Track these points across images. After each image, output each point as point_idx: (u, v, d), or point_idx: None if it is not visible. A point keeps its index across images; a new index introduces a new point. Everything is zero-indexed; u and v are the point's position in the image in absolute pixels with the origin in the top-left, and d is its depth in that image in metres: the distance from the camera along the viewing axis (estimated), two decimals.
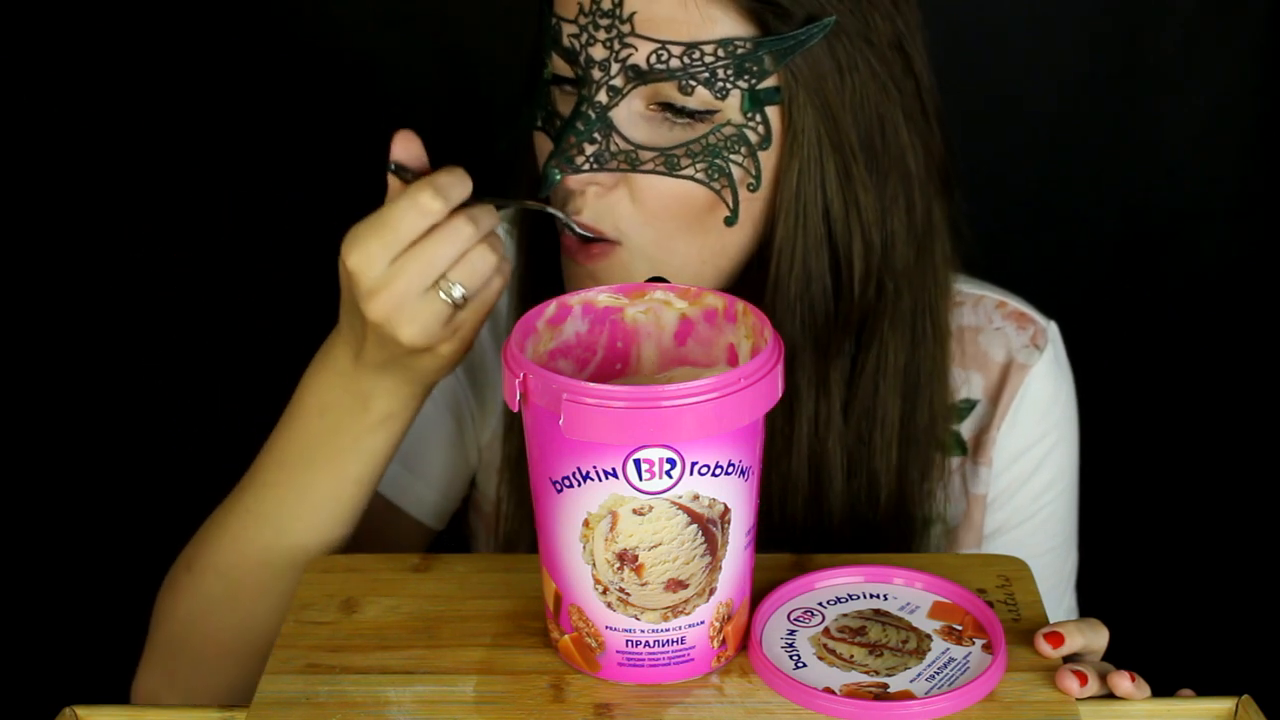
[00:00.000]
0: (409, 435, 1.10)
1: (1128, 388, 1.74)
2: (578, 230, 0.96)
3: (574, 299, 0.87)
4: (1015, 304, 1.14)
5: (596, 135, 0.94)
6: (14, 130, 1.63)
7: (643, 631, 0.82)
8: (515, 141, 1.03)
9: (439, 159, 1.78)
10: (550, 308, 0.86)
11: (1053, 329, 1.14)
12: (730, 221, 0.96)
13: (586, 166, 0.94)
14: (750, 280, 1.00)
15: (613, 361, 0.89)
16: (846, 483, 1.03)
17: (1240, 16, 1.62)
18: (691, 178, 0.94)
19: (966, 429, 1.11)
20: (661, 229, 0.96)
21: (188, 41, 1.62)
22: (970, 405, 1.11)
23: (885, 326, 1.02)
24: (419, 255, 0.87)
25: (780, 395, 0.80)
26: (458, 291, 0.88)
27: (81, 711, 0.83)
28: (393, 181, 0.91)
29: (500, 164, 1.08)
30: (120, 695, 1.03)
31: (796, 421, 1.02)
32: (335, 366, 0.94)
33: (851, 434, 1.03)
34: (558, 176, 0.94)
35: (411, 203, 0.87)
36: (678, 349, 0.89)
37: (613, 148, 0.94)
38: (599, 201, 0.96)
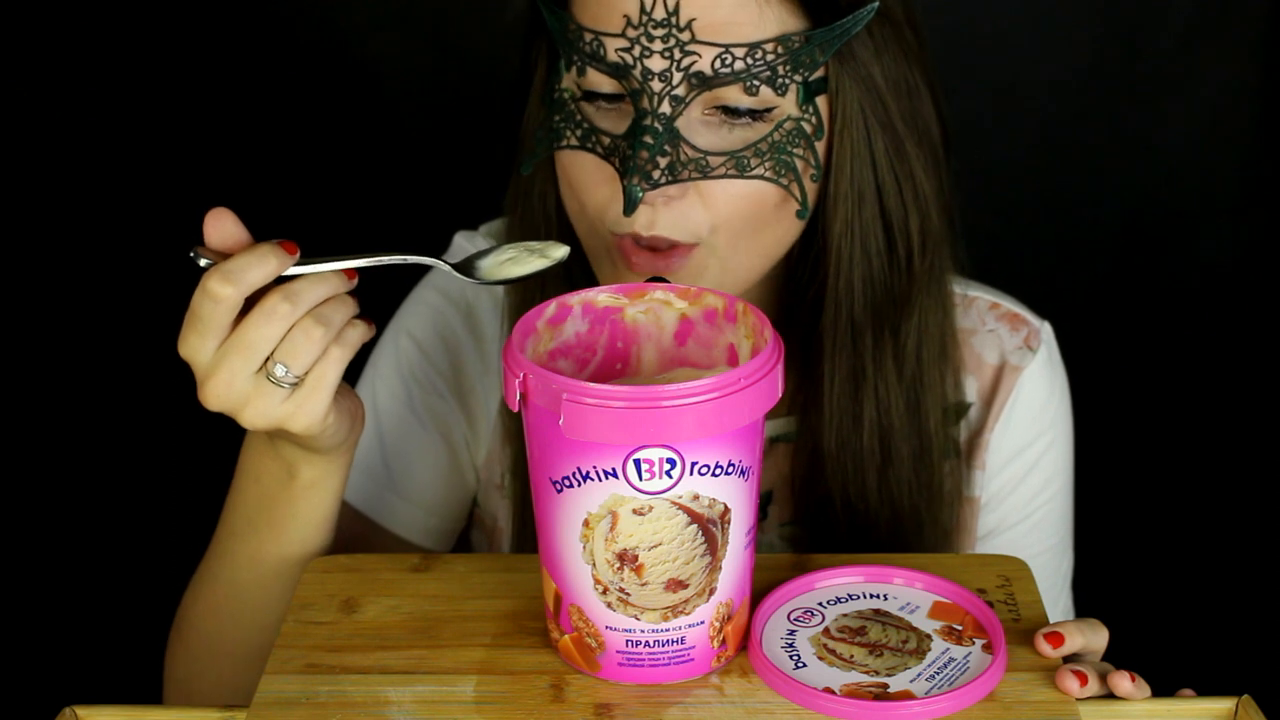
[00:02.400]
0: (401, 465, 1.11)
1: (1127, 388, 1.74)
2: (452, 270, 0.90)
3: (574, 299, 0.87)
4: (1008, 305, 1.14)
5: (666, 148, 0.93)
6: (14, 130, 1.63)
7: (643, 631, 0.82)
8: (536, 163, 1.01)
9: (439, 160, 1.79)
10: (550, 308, 0.86)
11: (1046, 330, 1.14)
12: (802, 214, 0.96)
13: (663, 180, 0.93)
14: (806, 268, 1.02)
15: (613, 361, 0.89)
16: (908, 449, 1.05)
17: (1240, 16, 1.63)
18: (762, 177, 0.95)
19: (960, 433, 1.11)
20: (736, 230, 0.96)
21: (189, 43, 1.62)
22: (964, 408, 1.11)
23: (924, 294, 1.03)
24: (237, 341, 0.83)
25: (780, 395, 0.80)
26: (280, 371, 0.84)
27: (81, 711, 0.83)
28: (202, 266, 0.85)
29: (506, 171, 1.08)
30: (120, 695, 1.03)
31: (864, 400, 1.03)
32: (259, 437, 0.94)
33: (904, 400, 1.04)
34: (640, 195, 0.93)
35: (202, 291, 0.83)
36: (678, 349, 0.89)
37: (683, 157, 0.94)
38: (669, 210, 0.95)
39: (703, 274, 0.97)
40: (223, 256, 0.85)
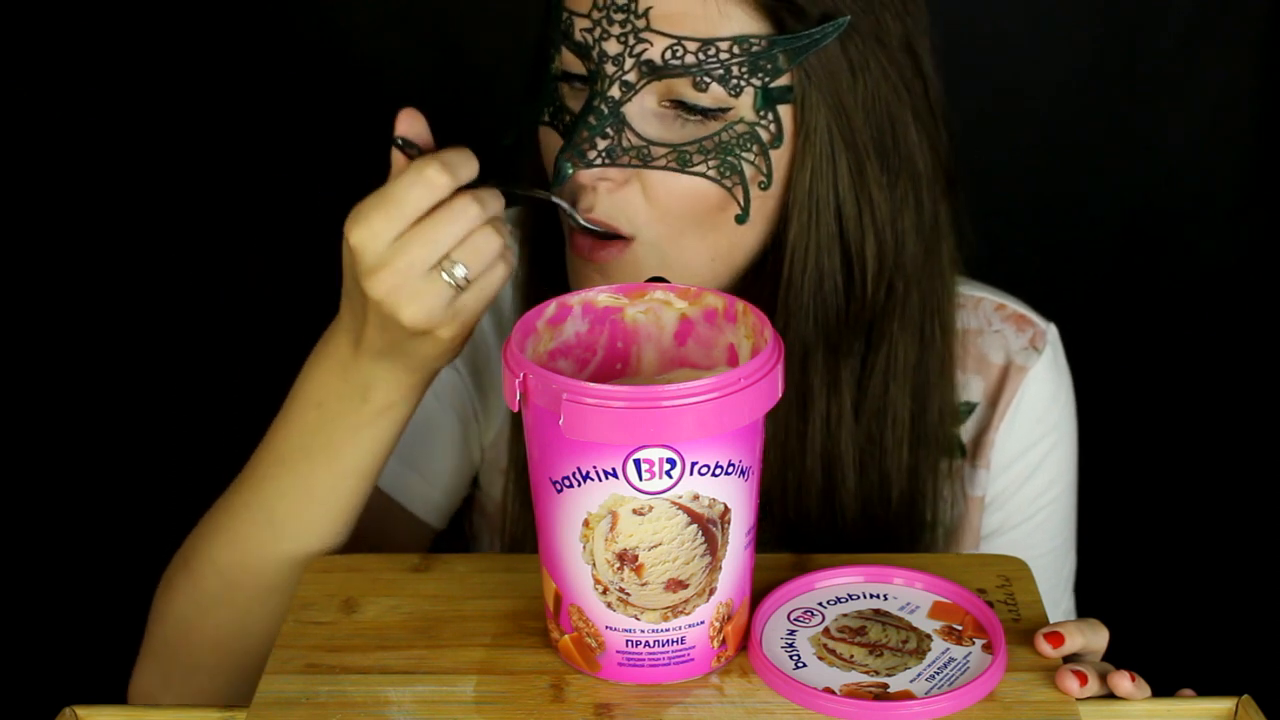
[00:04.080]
0: (413, 434, 1.10)
1: (1128, 388, 1.74)
2: (585, 224, 0.96)
3: (574, 299, 0.87)
4: (1014, 306, 1.14)
5: (609, 130, 0.94)
6: (16, 130, 1.63)
7: (643, 631, 0.82)
8: (521, 136, 1.03)
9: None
10: (550, 308, 0.86)
11: (1052, 331, 1.14)
12: (741, 219, 0.96)
13: (599, 161, 0.94)
14: (761, 279, 1.01)
15: (613, 361, 0.89)
16: (859, 481, 1.03)
17: (1240, 16, 1.63)
18: (703, 175, 0.94)
19: (965, 432, 1.11)
20: (674, 226, 0.96)
21: (190, 43, 1.62)
22: (969, 408, 1.11)
23: (895, 326, 1.02)
24: (423, 233, 0.85)
25: (780, 395, 0.80)
26: (460, 272, 0.86)
27: (81, 711, 0.83)
28: (397, 158, 0.89)
29: (503, 159, 1.08)
30: (120, 695, 1.03)
31: (810, 420, 1.02)
32: (335, 355, 0.93)
33: (863, 433, 1.03)
34: (570, 171, 0.93)
35: (418, 176, 0.85)
36: (678, 349, 0.89)
37: (625, 143, 0.94)
38: (611, 197, 0.95)
39: (642, 269, 0.97)
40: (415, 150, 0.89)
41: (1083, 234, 1.70)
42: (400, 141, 0.89)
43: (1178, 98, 1.65)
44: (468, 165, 0.87)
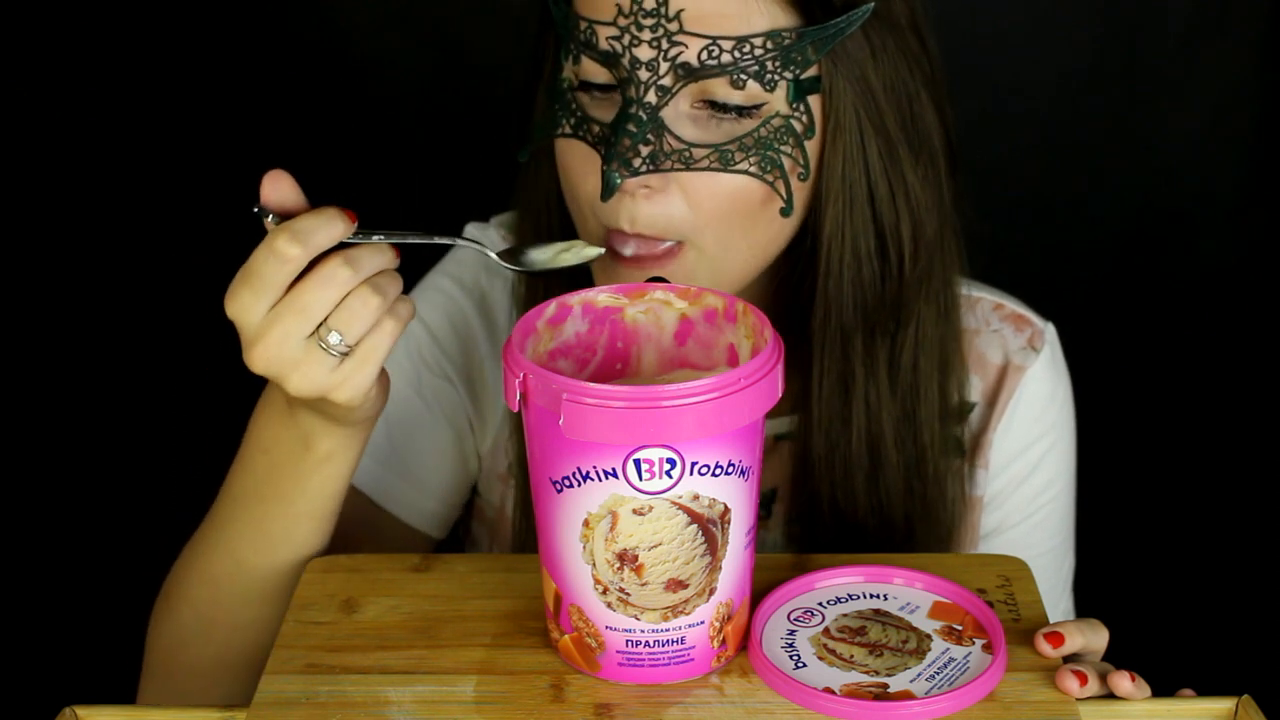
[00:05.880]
0: (406, 448, 1.11)
1: (1128, 388, 1.74)
2: (500, 263, 0.93)
3: (574, 299, 0.87)
4: (1013, 306, 1.14)
5: (650, 136, 0.93)
6: (14, 130, 1.64)
7: (643, 631, 0.82)
8: (535, 151, 1.03)
9: (439, 159, 1.78)
10: (550, 308, 0.86)
11: (1050, 331, 1.14)
12: (786, 212, 0.96)
13: (644, 169, 0.93)
14: (798, 270, 1.01)
15: (613, 361, 0.89)
16: (900, 459, 1.04)
17: (1240, 16, 1.63)
18: (746, 172, 0.94)
19: (964, 431, 1.11)
20: (721, 228, 0.96)
21: (190, 43, 1.62)
22: (968, 408, 1.11)
23: (921, 302, 1.03)
24: (292, 303, 0.82)
25: (780, 395, 0.80)
26: (334, 339, 0.83)
27: (81, 711, 0.83)
28: (269, 225, 0.84)
29: (508, 169, 1.08)
30: (120, 695, 1.03)
31: (852, 402, 1.03)
32: (275, 406, 0.92)
33: (899, 409, 1.04)
34: (618, 181, 0.93)
35: (268, 249, 0.81)
36: (678, 349, 0.89)
37: (666, 148, 0.94)
38: (651, 203, 0.95)
39: (693, 277, 0.97)
40: (283, 216, 0.83)
41: (1083, 234, 1.70)
42: (256, 210, 0.84)
43: (1178, 98, 1.65)
44: (326, 229, 0.82)
